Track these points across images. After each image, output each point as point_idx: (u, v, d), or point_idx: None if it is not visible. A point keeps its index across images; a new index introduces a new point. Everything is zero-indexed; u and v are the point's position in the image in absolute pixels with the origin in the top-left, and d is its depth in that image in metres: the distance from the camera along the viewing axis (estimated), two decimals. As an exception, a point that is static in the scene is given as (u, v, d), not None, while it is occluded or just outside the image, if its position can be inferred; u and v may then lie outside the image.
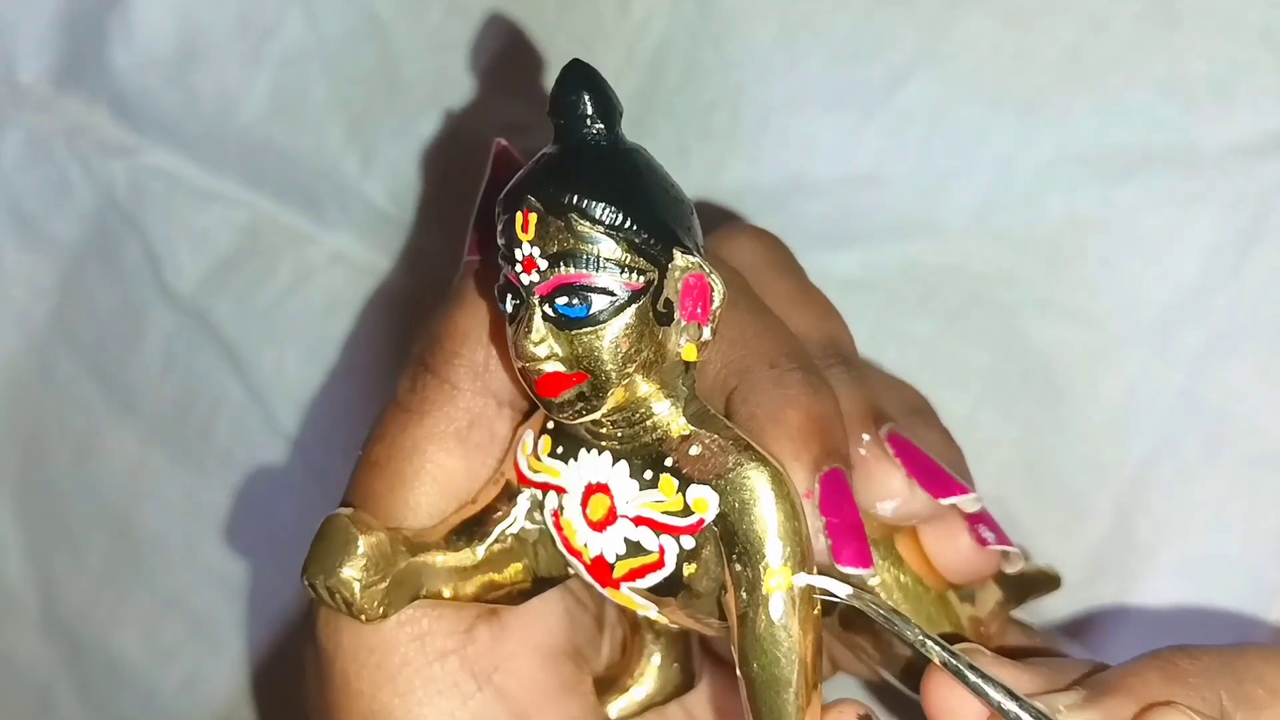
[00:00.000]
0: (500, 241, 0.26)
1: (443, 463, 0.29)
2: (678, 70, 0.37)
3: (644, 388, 0.26)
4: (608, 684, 0.31)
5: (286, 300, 0.42)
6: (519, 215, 0.26)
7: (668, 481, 0.27)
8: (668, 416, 0.27)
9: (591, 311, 0.25)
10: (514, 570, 0.29)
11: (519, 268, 0.26)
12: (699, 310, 0.26)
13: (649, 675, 0.31)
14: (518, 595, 0.29)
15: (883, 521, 0.28)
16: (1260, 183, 0.34)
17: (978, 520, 0.29)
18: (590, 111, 0.26)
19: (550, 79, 0.38)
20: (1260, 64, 0.34)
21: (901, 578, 0.29)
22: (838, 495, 0.27)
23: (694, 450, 0.26)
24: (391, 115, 0.40)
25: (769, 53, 0.37)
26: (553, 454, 0.28)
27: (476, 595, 0.28)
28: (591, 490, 0.27)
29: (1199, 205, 0.35)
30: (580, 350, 0.26)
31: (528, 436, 0.28)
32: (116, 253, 0.42)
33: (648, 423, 0.27)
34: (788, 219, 0.37)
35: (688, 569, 0.27)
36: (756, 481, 0.26)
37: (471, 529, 0.29)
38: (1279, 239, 0.34)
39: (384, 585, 0.27)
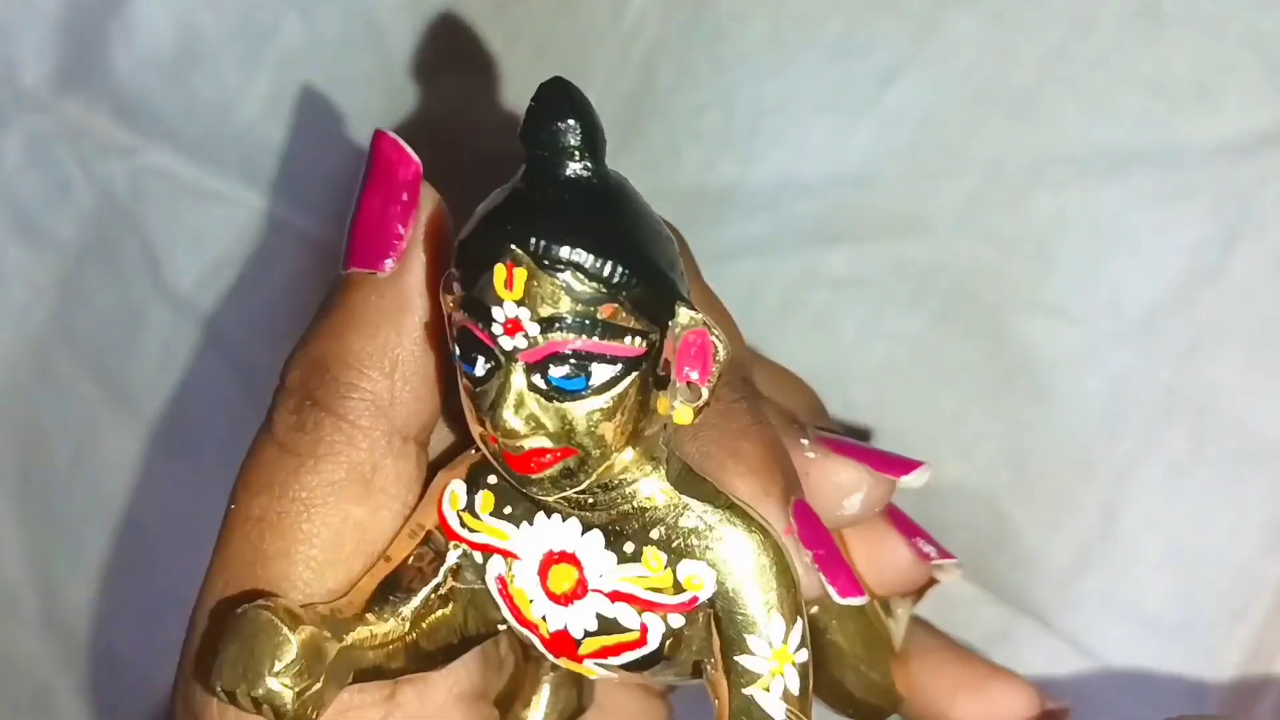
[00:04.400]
0: (461, 290, 0.23)
1: (347, 515, 0.25)
2: (670, 72, 0.38)
3: (628, 454, 0.23)
4: (501, 709, 0.29)
5: (284, 299, 0.42)
6: (501, 270, 0.22)
7: (654, 555, 0.24)
8: (652, 484, 0.24)
9: (591, 384, 0.22)
10: (441, 635, 0.25)
11: (496, 329, 0.22)
12: (698, 371, 0.23)
13: (541, 702, 0.30)
14: (443, 659, 0.26)
15: (837, 526, 0.27)
16: (1244, 181, 0.34)
17: (915, 533, 0.29)
18: (576, 143, 0.22)
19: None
20: (1244, 64, 0.34)
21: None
22: (812, 525, 0.25)
23: (686, 522, 0.24)
24: (388, 117, 0.40)
25: (760, 55, 0.37)
26: (498, 514, 0.25)
27: (404, 669, 0.25)
28: (553, 559, 0.24)
29: (1184, 204, 0.35)
30: (572, 425, 0.22)
31: (457, 488, 0.25)
32: (116, 252, 0.43)
33: (627, 490, 0.24)
34: (778, 218, 0.37)
35: (669, 646, 0.24)
36: (755, 554, 0.24)
37: (391, 593, 0.25)
38: (1263, 236, 0.35)
39: (318, 686, 0.23)
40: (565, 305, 0.22)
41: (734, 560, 0.24)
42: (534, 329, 0.22)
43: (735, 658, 0.24)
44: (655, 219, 0.23)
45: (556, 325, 0.22)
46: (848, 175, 0.37)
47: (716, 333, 0.23)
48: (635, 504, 0.24)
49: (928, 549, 0.29)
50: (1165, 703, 0.35)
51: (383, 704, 0.26)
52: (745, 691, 0.24)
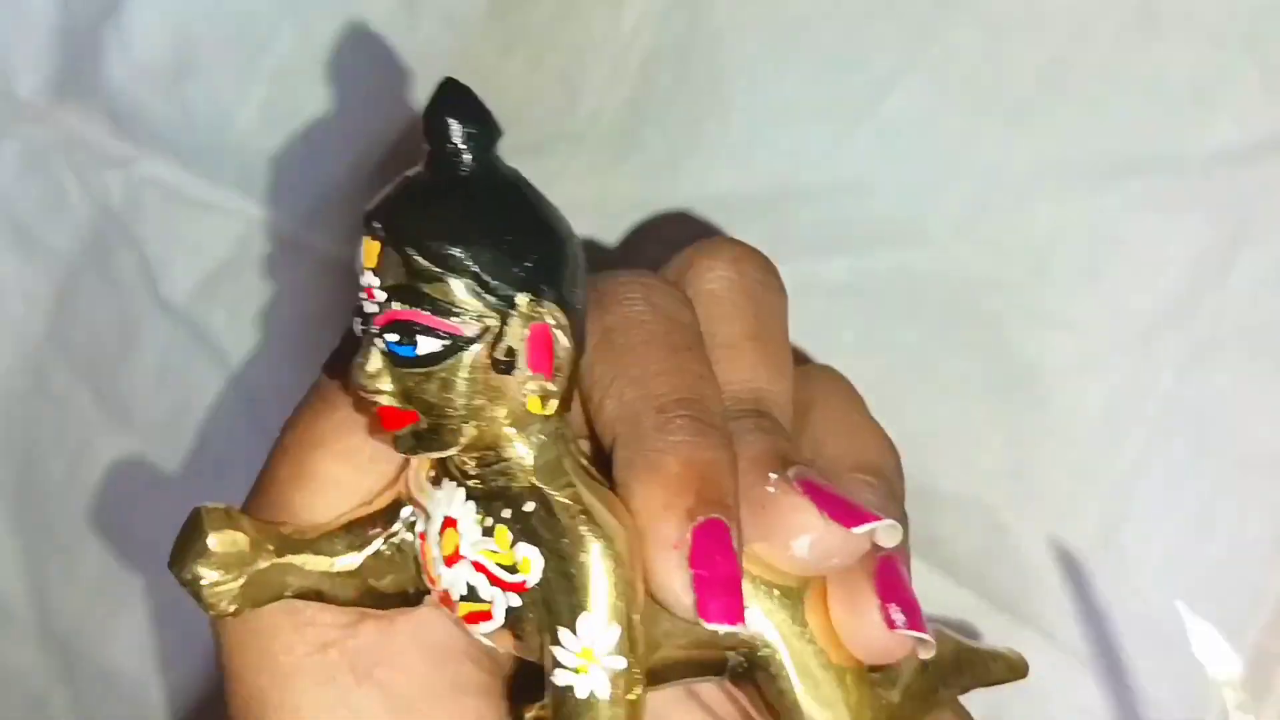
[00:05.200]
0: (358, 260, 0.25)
1: (340, 469, 0.28)
2: (667, 81, 0.38)
3: (500, 431, 0.25)
4: (533, 690, 0.29)
5: (282, 310, 0.42)
6: (365, 241, 0.25)
7: (502, 533, 0.26)
8: (517, 466, 0.25)
9: (419, 353, 0.24)
10: (389, 581, 0.28)
11: (362, 295, 0.25)
12: (543, 363, 0.25)
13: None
14: (395, 603, 0.28)
15: (797, 571, 0.26)
16: (1244, 189, 0.34)
17: (890, 597, 0.27)
18: (456, 140, 0.24)
19: (542, 91, 0.39)
20: (1243, 71, 0.34)
21: (803, 648, 0.27)
22: (712, 547, 0.25)
23: (528, 506, 0.25)
24: (384, 126, 0.40)
25: (757, 63, 0.37)
26: (430, 477, 0.27)
27: (354, 600, 0.28)
28: (446, 523, 0.26)
29: (1183, 212, 0.35)
30: (411, 389, 0.24)
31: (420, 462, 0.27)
32: (112, 263, 0.43)
33: (498, 466, 0.25)
34: (776, 227, 0.37)
35: (514, 624, 0.26)
36: (583, 553, 0.25)
37: (354, 534, 0.28)
38: (1263, 245, 0.34)
39: (236, 584, 0.27)
40: (405, 279, 0.24)
41: (563, 552, 0.25)
42: (381, 296, 0.24)
43: (549, 645, 0.25)
44: (540, 221, 0.25)
45: (396, 296, 0.24)
46: (845, 184, 0.37)
47: (558, 330, 0.24)
48: (502, 483, 0.26)
49: (896, 615, 0.27)
50: (1169, 714, 0.35)
51: (342, 628, 0.28)
52: (555, 680, 0.25)
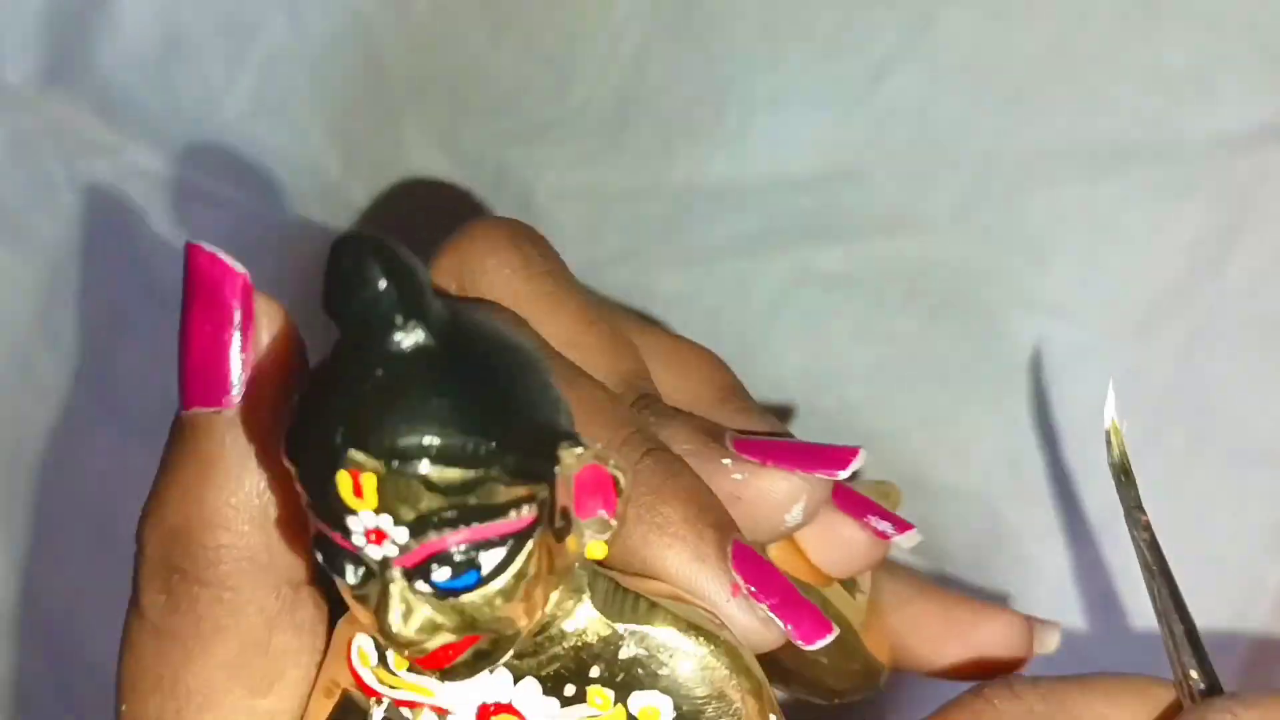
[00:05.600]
0: (306, 495, 0.20)
1: (243, 698, 0.23)
2: (660, 68, 0.37)
3: (549, 601, 0.22)
4: None
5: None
6: (345, 478, 0.19)
7: (600, 694, 0.22)
8: (580, 619, 0.22)
9: (484, 574, 0.20)
10: None
11: (359, 540, 0.20)
12: (601, 505, 0.21)
13: None
14: None
15: (785, 536, 0.25)
16: (1243, 176, 0.34)
17: (866, 511, 0.26)
18: (392, 309, 0.19)
19: (532, 79, 0.38)
20: (1243, 57, 0.34)
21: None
22: (757, 568, 0.23)
23: (625, 654, 0.22)
24: (373, 115, 0.40)
25: (751, 49, 0.37)
26: (416, 670, 0.23)
27: None
28: (489, 711, 0.23)
29: (1182, 199, 0.35)
30: (473, 616, 0.20)
31: (364, 644, 0.23)
32: (100, 252, 0.43)
33: (554, 632, 0.22)
34: (770, 215, 0.37)
35: None
36: (708, 667, 0.22)
37: None
38: (1262, 232, 0.34)
39: None
40: (431, 503, 0.19)
41: (687, 680, 0.22)
42: (402, 535, 0.20)
43: None
44: (512, 354, 0.21)
45: (427, 525, 0.19)
46: (841, 171, 0.36)
47: (613, 461, 0.21)
48: (567, 644, 0.22)
49: (883, 526, 0.26)
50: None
51: None
52: None
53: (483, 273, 0.26)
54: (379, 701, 0.23)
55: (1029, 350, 0.36)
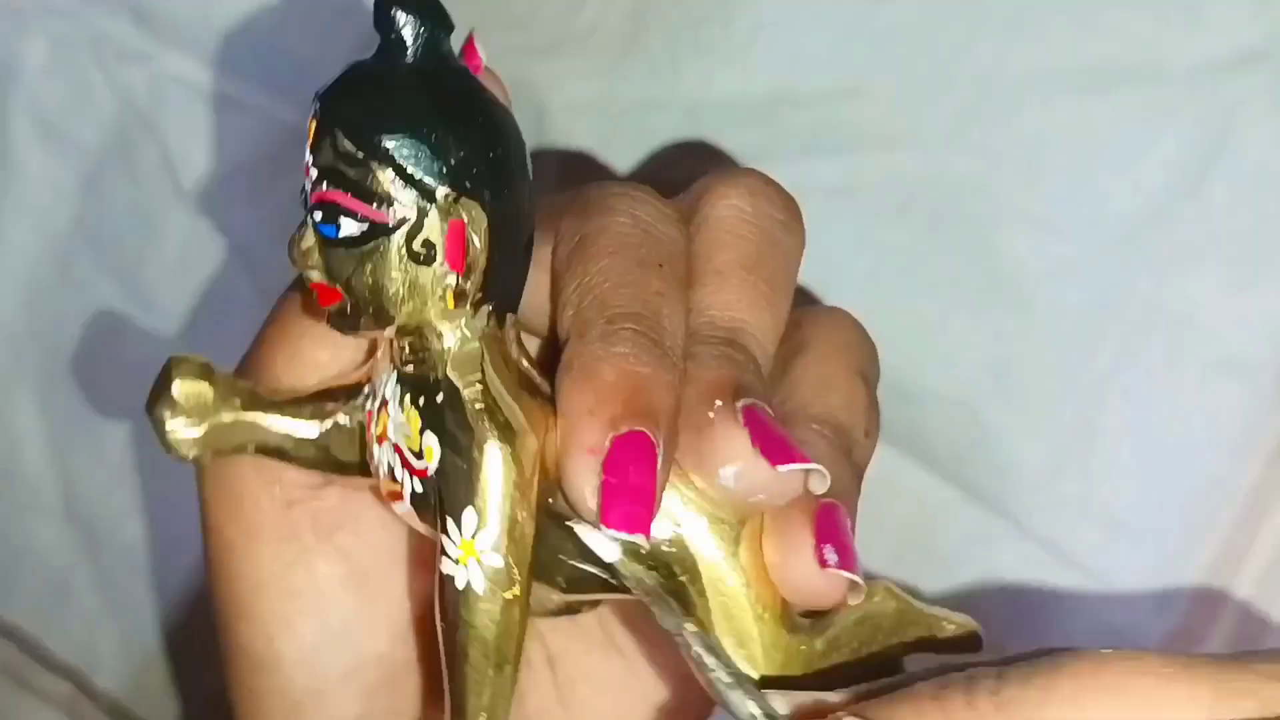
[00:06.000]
0: None
1: (323, 353, 0.29)
2: (672, -15, 0.38)
3: (426, 320, 0.25)
4: None
5: (298, 203, 0.43)
6: (310, 121, 0.25)
7: (414, 419, 0.26)
8: (436, 356, 0.26)
9: (340, 234, 0.25)
10: (348, 452, 0.29)
11: (303, 173, 0.25)
12: (457, 260, 0.25)
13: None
14: (354, 471, 0.29)
15: (727, 502, 0.26)
16: (1226, 99, 0.35)
17: (826, 539, 0.26)
18: (402, 31, 0.25)
19: (551, -6, 0.40)
20: (1231, -17, 0.35)
21: (725, 577, 0.26)
22: (629, 457, 0.25)
23: (438, 397, 0.26)
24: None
25: (759, -32, 0.38)
26: (385, 362, 0.27)
27: (313, 464, 0.29)
28: (382, 404, 0.27)
29: (1167, 120, 0.36)
30: (333, 269, 0.25)
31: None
32: (135, 156, 0.44)
33: (421, 355, 0.26)
34: (774, 130, 0.38)
35: (419, 507, 0.26)
36: (475, 449, 0.25)
37: (319, 404, 0.29)
38: (1243, 154, 0.35)
39: (197, 431, 0.28)
40: (329, 159, 0.25)
41: (459, 445, 0.25)
42: (314, 174, 0.25)
43: (439, 532, 0.26)
44: (477, 118, 0.25)
45: (325, 176, 0.25)
46: (842, 89, 0.38)
47: (473, 228, 0.25)
48: (423, 370, 0.26)
49: (830, 555, 0.26)
50: (1135, 606, 0.37)
51: (308, 489, 0.30)
52: (440, 566, 0.26)
53: (711, 207, 0.28)
54: (369, 383, 0.28)
55: (1016, 263, 0.37)
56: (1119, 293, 0.36)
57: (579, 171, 0.40)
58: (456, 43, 0.26)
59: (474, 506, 0.25)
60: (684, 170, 0.37)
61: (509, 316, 0.27)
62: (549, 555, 0.27)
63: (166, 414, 0.28)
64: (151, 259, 0.44)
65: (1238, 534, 0.36)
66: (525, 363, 0.27)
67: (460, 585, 0.26)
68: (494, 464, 0.25)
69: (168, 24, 0.43)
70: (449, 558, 0.26)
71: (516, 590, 0.26)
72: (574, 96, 0.39)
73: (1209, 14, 0.35)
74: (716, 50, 0.38)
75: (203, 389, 0.28)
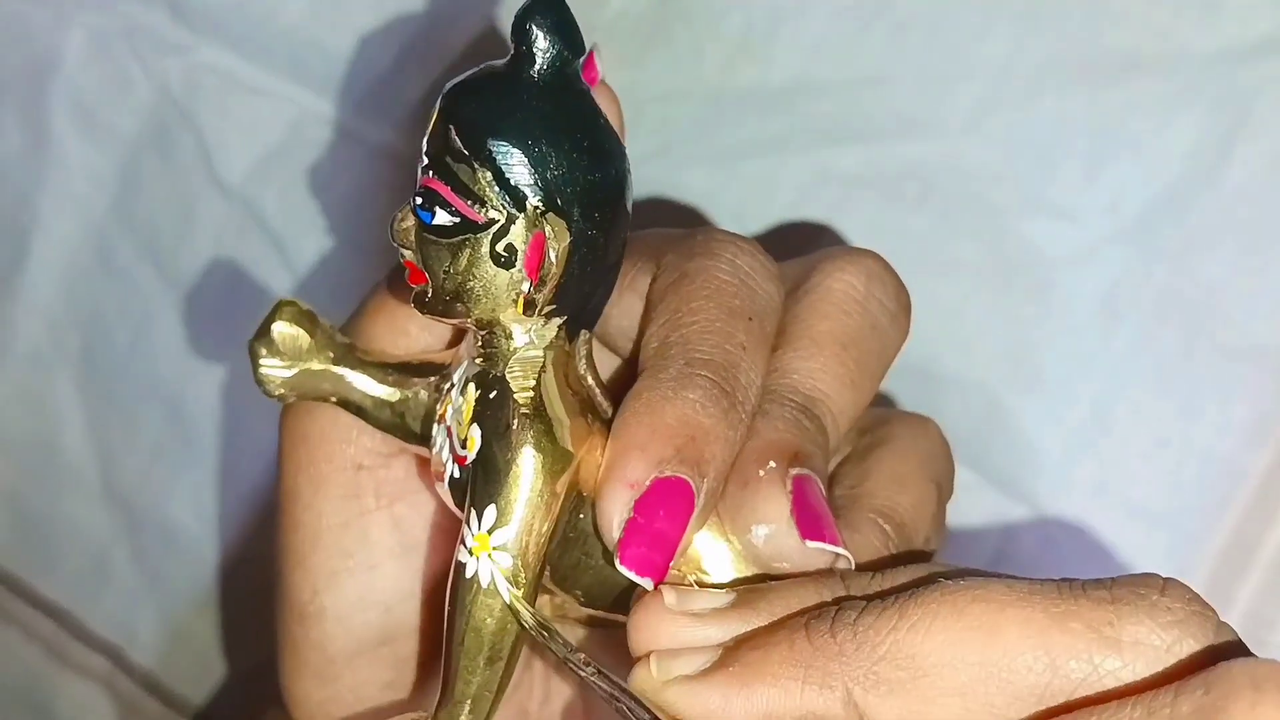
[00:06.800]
0: None
1: (425, 335, 0.30)
2: (695, -25, 0.39)
3: (499, 318, 0.27)
4: None
5: (329, 191, 0.44)
6: (432, 112, 0.26)
7: (469, 407, 0.27)
8: (500, 354, 0.27)
9: (434, 222, 0.26)
10: (420, 423, 0.30)
11: (418, 155, 0.27)
12: (533, 270, 0.26)
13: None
14: (420, 441, 0.30)
15: (751, 559, 0.27)
16: (1242, 87, 0.35)
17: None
18: (535, 45, 0.26)
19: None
20: (1245, -28, 0.35)
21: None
22: (664, 502, 0.25)
23: (492, 393, 0.27)
24: (431, 14, 0.42)
25: (780, -41, 0.38)
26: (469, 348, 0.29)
27: (386, 426, 0.30)
28: (450, 387, 0.29)
29: (1183, 108, 0.36)
30: (423, 253, 0.26)
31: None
32: (172, 145, 0.45)
33: (489, 350, 0.27)
34: (795, 118, 0.39)
35: (454, 492, 0.28)
36: (510, 450, 0.26)
37: (404, 373, 0.30)
38: (1257, 141, 0.36)
39: (287, 372, 0.30)
40: (440, 150, 0.26)
41: (497, 443, 0.26)
42: (425, 161, 0.26)
43: (463, 519, 0.27)
44: (586, 141, 0.26)
45: (433, 165, 0.26)
46: (861, 78, 0.38)
47: (553, 244, 0.26)
48: (487, 365, 0.27)
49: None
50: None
51: (380, 455, 0.31)
52: (457, 556, 0.27)
53: (824, 277, 0.29)
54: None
55: (1033, 250, 0.37)
56: (1135, 279, 0.37)
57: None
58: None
59: (497, 504, 0.26)
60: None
61: (583, 334, 0.28)
62: (570, 565, 0.28)
63: (263, 351, 0.30)
64: (187, 245, 0.45)
65: (1252, 518, 0.36)
66: (590, 380, 0.28)
67: (469, 574, 0.27)
68: (526, 469, 0.26)
69: (203, 15, 0.44)
70: (465, 546, 0.27)
71: (519, 592, 0.26)
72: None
73: (1225, 3, 0.35)
74: (738, 40, 0.39)
75: (300, 334, 0.30)
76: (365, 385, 0.30)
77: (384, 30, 0.42)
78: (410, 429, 0.30)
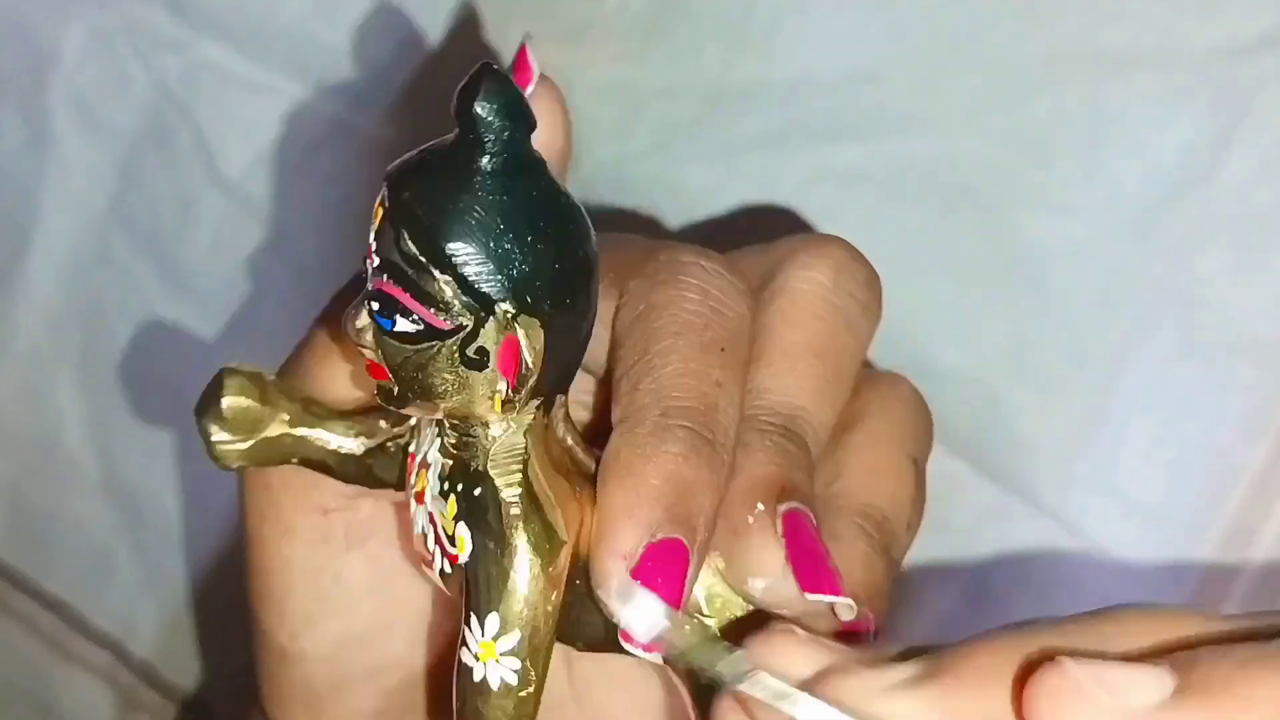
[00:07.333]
0: None
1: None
2: (694, -29, 0.39)
3: (473, 411, 0.25)
4: None
5: (329, 188, 0.44)
6: (377, 204, 0.24)
7: (452, 504, 0.26)
8: (479, 448, 0.26)
9: (395, 329, 0.24)
10: (390, 473, 0.29)
11: (366, 251, 0.25)
12: (509, 370, 0.24)
13: None
14: (393, 488, 0.29)
15: (752, 604, 0.26)
16: (1240, 83, 0.35)
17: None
18: (483, 131, 0.23)
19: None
20: (1243, -33, 0.35)
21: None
22: (662, 568, 0.24)
23: (476, 491, 0.26)
24: (425, 7, 0.42)
25: (779, -45, 0.38)
26: None
27: (354, 479, 0.29)
28: (423, 462, 0.27)
29: (1182, 103, 0.36)
30: (386, 355, 0.25)
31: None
32: (171, 141, 0.45)
33: (466, 440, 0.26)
34: (794, 114, 0.39)
35: (447, 585, 0.27)
36: (506, 557, 0.25)
37: (366, 423, 0.29)
38: (1257, 138, 0.36)
39: (244, 445, 0.28)
40: (392, 253, 0.24)
41: (490, 548, 0.25)
42: (375, 262, 0.24)
43: (462, 621, 0.26)
44: (542, 226, 0.24)
45: (386, 270, 0.24)
46: (860, 73, 0.38)
47: (527, 348, 0.24)
48: (466, 456, 0.26)
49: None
50: (1147, 581, 0.37)
51: (344, 498, 0.30)
52: (460, 655, 0.26)
53: (790, 278, 0.28)
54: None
55: (1031, 244, 0.37)
56: (1133, 274, 0.37)
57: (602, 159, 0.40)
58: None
59: (498, 613, 0.25)
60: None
61: (558, 398, 0.26)
62: (572, 623, 0.27)
63: (214, 427, 0.28)
64: (187, 242, 0.45)
65: (1249, 511, 0.37)
66: (570, 439, 0.27)
67: (477, 678, 0.26)
68: (523, 574, 0.25)
69: (202, 12, 0.44)
70: (469, 650, 0.26)
71: (532, 689, 0.26)
72: (597, 81, 0.40)
73: (1224, -1, 0.35)
74: (736, 36, 0.39)
75: (250, 405, 0.28)
76: (327, 440, 0.29)
77: (382, 25, 0.42)
78: (379, 478, 0.29)
